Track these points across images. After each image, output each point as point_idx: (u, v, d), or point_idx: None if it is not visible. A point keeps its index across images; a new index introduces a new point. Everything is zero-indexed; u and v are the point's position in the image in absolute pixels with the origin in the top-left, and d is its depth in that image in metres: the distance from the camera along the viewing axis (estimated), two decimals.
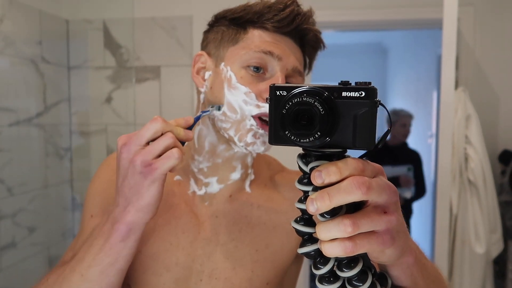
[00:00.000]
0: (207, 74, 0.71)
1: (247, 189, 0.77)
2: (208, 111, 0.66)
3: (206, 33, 0.74)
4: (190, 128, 0.59)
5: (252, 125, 0.65)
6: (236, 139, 0.66)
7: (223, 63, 0.68)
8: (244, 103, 0.65)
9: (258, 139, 0.66)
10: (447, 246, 1.54)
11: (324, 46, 0.73)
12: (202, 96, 0.72)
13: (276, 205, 0.77)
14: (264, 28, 0.66)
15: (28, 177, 1.74)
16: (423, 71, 3.46)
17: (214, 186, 0.75)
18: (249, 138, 0.65)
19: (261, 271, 0.73)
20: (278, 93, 0.40)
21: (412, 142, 3.70)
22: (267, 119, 0.64)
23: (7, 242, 1.61)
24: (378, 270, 0.48)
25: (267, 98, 0.64)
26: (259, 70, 0.65)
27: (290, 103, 0.38)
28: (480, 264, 1.66)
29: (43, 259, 1.85)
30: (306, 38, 0.69)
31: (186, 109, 1.90)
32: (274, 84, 0.41)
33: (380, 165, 0.41)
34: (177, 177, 0.78)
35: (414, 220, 3.37)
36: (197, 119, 0.60)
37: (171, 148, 0.54)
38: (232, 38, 0.68)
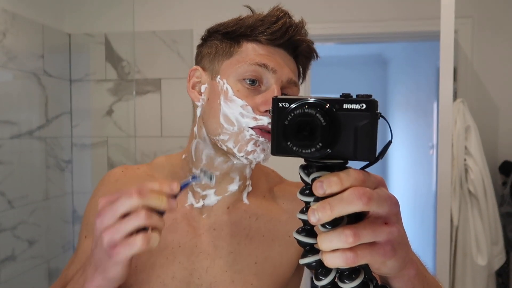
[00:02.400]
0: (203, 88, 0.71)
1: (245, 200, 0.77)
2: (198, 178, 0.61)
3: (199, 47, 0.75)
4: (177, 193, 0.54)
5: (251, 134, 0.65)
6: (235, 150, 0.67)
7: (219, 76, 0.69)
8: (241, 115, 0.65)
9: (258, 147, 0.66)
10: (448, 258, 1.53)
11: (317, 56, 0.73)
12: (198, 110, 0.73)
13: (275, 216, 0.77)
14: (258, 41, 0.67)
15: (29, 190, 1.74)
16: (423, 82, 3.47)
17: (212, 198, 0.75)
18: (249, 147, 0.66)
19: (261, 284, 0.72)
20: (280, 105, 0.41)
21: (413, 153, 3.69)
22: (265, 130, 0.66)
23: (6, 255, 1.61)
24: (380, 282, 0.48)
25: (268, 110, 0.65)
26: (254, 83, 0.66)
27: (293, 114, 0.38)
28: (482, 276, 1.64)
29: (43, 272, 1.84)
30: (299, 49, 0.70)
31: (186, 119, 1.91)
32: (277, 96, 0.41)
33: (381, 177, 0.41)
34: None
35: (415, 232, 3.35)
36: (184, 186, 0.56)
37: (142, 229, 0.51)
38: (226, 51, 0.69)
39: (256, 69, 0.65)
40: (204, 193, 0.75)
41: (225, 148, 0.69)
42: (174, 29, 1.96)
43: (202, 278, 0.72)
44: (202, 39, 0.74)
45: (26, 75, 1.73)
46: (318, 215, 0.37)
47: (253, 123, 0.65)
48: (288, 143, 0.39)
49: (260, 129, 0.66)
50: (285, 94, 0.69)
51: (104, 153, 2.00)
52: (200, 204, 0.75)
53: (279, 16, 0.67)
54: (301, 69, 0.74)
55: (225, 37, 0.69)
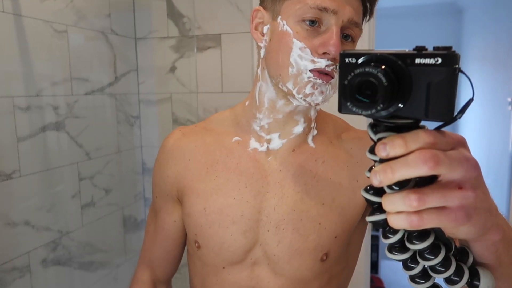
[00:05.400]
0: (265, 28, 0.72)
1: (311, 143, 0.78)
2: None
3: None
4: None
5: (309, 77, 0.65)
6: (294, 92, 0.68)
7: (279, 17, 0.68)
8: (299, 58, 0.65)
9: (316, 89, 0.66)
10: None
11: None
12: (262, 51, 0.74)
13: (342, 161, 0.77)
14: None
15: (103, 143, 1.88)
16: (504, 32, 3.12)
17: (276, 141, 0.76)
18: (307, 90, 0.66)
19: (329, 224, 0.74)
20: (347, 60, 0.38)
21: (489, 110, 3.41)
22: (323, 72, 0.66)
23: (87, 201, 1.77)
24: (458, 244, 0.46)
25: (326, 52, 0.65)
26: (314, 23, 0.65)
27: (353, 74, 0.36)
28: None
29: (119, 218, 2.01)
30: None
31: (246, 75, 1.91)
32: (344, 51, 0.39)
33: (462, 136, 0.38)
34: (236, 138, 0.80)
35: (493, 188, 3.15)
36: None
37: None
38: None
39: (316, 12, 0.64)
40: (269, 137, 0.77)
41: (285, 89, 0.69)
42: None
43: (270, 216, 0.75)
44: None
45: (95, 34, 1.81)
46: (379, 178, 0.36)
47: (311, 66, 0.65)
48: (348, 103, 0.37)
49: (318, 72, 0.65)
50: (345, 36, 0.67)
51: (168, 108, 2.08)
52: (264, 148, 0.77)
53: None
54: (368, 5, 0.71)
55: None
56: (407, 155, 0.35)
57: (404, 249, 0.42)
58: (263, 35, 0.73)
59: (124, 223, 2.05)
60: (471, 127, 4.02)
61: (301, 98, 0.68)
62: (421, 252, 0.42)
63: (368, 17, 0.72)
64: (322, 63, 0.65)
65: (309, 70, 0.66)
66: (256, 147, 0.78)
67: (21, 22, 1.43)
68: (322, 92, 0.67)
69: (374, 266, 3.37)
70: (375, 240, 3.21)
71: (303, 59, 0.65)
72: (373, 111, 0.36)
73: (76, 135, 1.70)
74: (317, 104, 0.70)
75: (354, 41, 0.70)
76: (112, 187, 1.94)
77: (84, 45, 1.76)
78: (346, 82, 0.37)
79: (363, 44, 1.88)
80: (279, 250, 0.73)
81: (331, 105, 0.65)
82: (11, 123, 1.40)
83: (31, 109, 1.48)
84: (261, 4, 0.74)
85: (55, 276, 1.60)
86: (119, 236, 2.03)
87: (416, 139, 0.35)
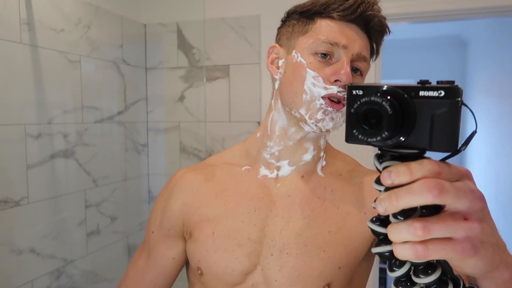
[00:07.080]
0: (281, 62, 0.78)
1: (320, 172, 0.80)
2: None
3: (279, 28, 0.82)
4: None
5: (321, 104, 0.70)
6: (307, 117, 0.72)
7: (294, 51, 0.74)
8: (312, 85, 0.70)
9: (327, 115, 0.70)
10: None
11: (389, 31, 0.76)
12: (277, 83, 0.79)
13: (351, 192, 0.78)
14: (331, 18, 0.72)
15: (111, 170, 1.89)
16: (508, 64, 3.16)
17: (286, 168, 0.79)
18: (319, 115, 0.70)
19: (333, 253, 0.73)
20: (354, 92, 0.40)
21: (497, 143, 3.40)
22: (334, 100, 0.70)
23: (93, 229, 1.77)
24: (467, 283, 0.45)
25: (337, 80, 0.69)
26: (326, 56, 0.71)
27: (359, 103, 0.37)
28: None
29: (123, 246, 2.00)
30: (371, 24, 0.73)
31: (253, 105, 1.94)
32: (351, 83, 0.41)
33: (466, 169, 0.38)
34: (246, 167, 0.81)
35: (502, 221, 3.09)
36: None
37: None
38: (302, 29, 0.74)
39: (328, 46, 0.70)
40: (278, 164, 0.79)
41: (298, 115, 0.73)
42: (242, 15, 1.98)
43: (275, 240, 0.75)
44: (281, 20, 0.81)
45: (107, 64, 1.86)
46: (384, 205, 0.36)
47: (323, 92, 0.70)
48: (354, 131, 0.38)
49: (329, 99, 0.70)
50: (354, 69, 0.73)
51: (176, 137, 2.10)
52: (274, 174, 0.79)
53: None
54: (374, 45, 0.76)
55: (301, 16, 0.75)
56: (412, 183, 0.35)
57: (411, 284, 0.41)
58: (278, 68, 0.78)
59: (128, 252, 2.03)
60: (477, 160, 4.00)
61: (312, 123, 0.71)
62: (428, 287, 0.41)
63: (374, 56, 0.78)
64: (334, 89, 0.69)
65: (322, 97, 0.70)
66: (266, 174, 0.80)
67: (37, 52, 1.47)
68: (332, 119, 0.71)
69: None
70: (383, 273, 3.14)
71: (316, 86, 0.70)
72: (378, 138, 0.36)
73: (85, 163, 1.72)
74: (327, 130, 0.72)
75: (362, 74, 0.74)
76: (118, 215, 1.94)
77: (96, 74, 1.81)
78: (352, 111, 0.38)
79: (370, 75, 1.91)
80: (281, 275, 0.72)
81: (341, 135, 0.66)
82: (22, 151, 1.42)
83: (42, 137, 1.50)
84: (276, 42, 0.81)
85: None
86: (123, 264, 2.01)
87: (421, 167, 0.35)
